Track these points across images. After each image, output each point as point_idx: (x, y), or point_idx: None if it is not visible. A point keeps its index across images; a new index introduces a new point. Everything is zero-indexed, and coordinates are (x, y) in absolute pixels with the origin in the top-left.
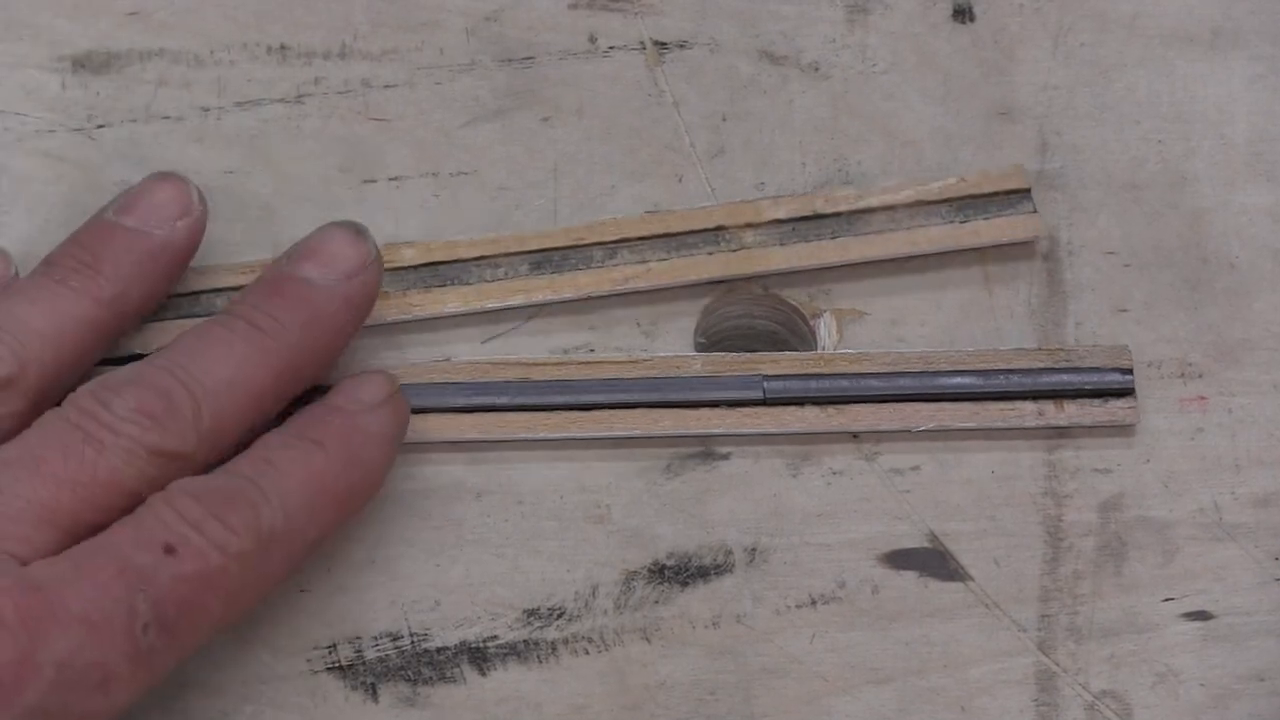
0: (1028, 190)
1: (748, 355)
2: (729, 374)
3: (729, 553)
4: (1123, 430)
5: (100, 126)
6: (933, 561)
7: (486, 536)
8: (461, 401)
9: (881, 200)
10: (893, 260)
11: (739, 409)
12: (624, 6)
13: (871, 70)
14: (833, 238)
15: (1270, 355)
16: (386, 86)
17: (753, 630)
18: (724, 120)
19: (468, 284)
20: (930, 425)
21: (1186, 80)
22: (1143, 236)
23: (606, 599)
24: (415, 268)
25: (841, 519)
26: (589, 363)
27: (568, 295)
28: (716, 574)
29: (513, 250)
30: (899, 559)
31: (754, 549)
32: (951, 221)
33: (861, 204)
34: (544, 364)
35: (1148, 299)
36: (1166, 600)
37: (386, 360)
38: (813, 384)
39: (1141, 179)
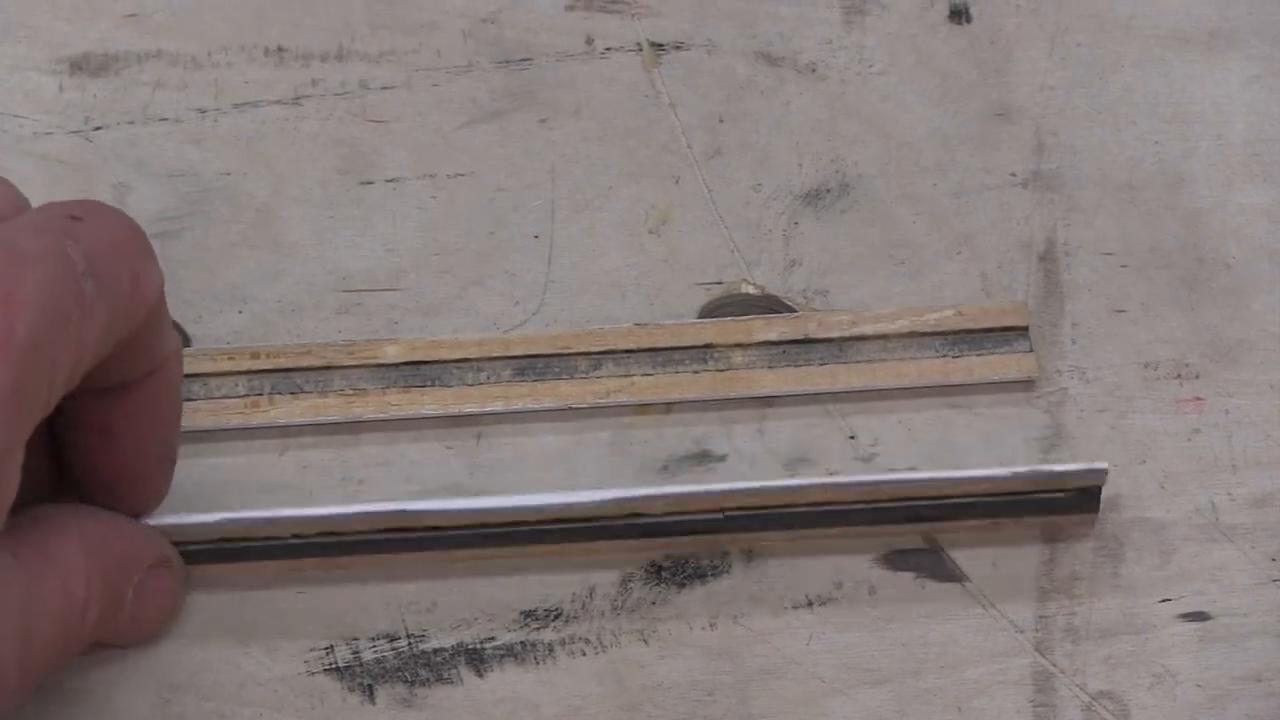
0: (1025, 328)
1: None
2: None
3: (726, 554)
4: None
5: (98, 128)
6: (930, 562)
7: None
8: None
9: (875, 328)
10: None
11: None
12: (621, 8)
13: (868, 71)
14: (822, 364)
15: (1267, 355)
16: (384, 88)
17: (750, 631)
18: (721, 121)
19: (448, 386)
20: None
21: (1184, 81)
22: (1140, 237)
23: (604, 600)
24: (397, 365)
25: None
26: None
27: (549, 404)
28: (714, 575)
29: (496, 354)
30: (896, 560)
31: (751, 550)
32: (944, 355)
33: (854, 330)
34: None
35: (1145, 299)
36: (1163, 601)
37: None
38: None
39: (1139, 179)
